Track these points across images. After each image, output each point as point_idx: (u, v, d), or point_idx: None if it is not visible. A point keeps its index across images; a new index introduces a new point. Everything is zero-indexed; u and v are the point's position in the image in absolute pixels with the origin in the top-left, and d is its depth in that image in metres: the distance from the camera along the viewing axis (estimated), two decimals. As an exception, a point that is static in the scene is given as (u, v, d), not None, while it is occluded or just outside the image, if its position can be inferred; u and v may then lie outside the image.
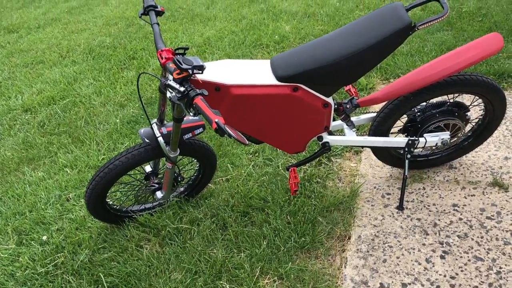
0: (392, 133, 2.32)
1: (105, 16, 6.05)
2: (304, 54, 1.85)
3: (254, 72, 1.86)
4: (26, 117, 3.69)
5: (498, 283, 1.83)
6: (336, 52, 1.79)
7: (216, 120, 1.38)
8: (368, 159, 2.64)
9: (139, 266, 2.11)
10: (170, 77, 1.61)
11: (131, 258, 2.17)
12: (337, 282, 1.96)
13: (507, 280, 1.83)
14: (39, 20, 6.36)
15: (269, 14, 5.12)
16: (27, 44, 5.44)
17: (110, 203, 2.29)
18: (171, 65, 1.62)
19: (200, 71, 1.55)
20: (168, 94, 1.68)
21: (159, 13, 1.86)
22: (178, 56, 1.60)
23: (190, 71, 1.53)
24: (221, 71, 1.82)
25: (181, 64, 1.52)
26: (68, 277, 2.14)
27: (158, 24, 1.81)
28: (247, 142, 1.38)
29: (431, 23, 1.76)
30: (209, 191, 2.52)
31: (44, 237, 2.37)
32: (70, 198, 2.66)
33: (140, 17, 1.88)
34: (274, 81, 1.84)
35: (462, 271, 1.91)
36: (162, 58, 1.68)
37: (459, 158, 2.51)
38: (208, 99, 1.82)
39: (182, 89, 1.54)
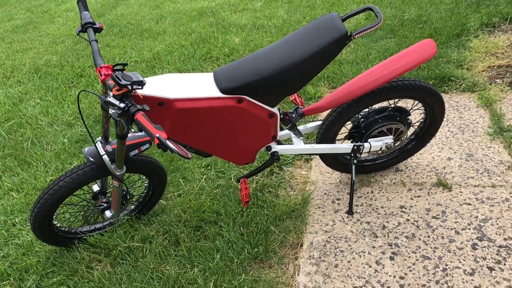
0: (338, 139, 2.37)
1: (52, 34, 5.91)
2: (246, 66, 1.86)
3: (198, 85, 1.86)
4: (-32, 141, 3.54)
5: (445, 280, 1.89)
6: (276, 64, 1.81)
7: (157, 135, 1.36)
8: (318, 166, 2.69)
9: (89, 289, 2.06)
10: (111, 93, 1.59)
11: (81, 281, 2.11)
12: (291, 290, 1.97)
13: (453, 276, 1.90)
14: (-19, 40, 6.14)
15: (218, 27, 5.14)
16: (-31, 65, 5.23)
17: (58, 225, 2.22)
18: (110, 82, 1.60)
19: (140, 87, 1.54)
20: (110, 111, 1.66)
21: (97, 30, 1.84)
22: (117, 72, 1.58)
23: (129, 86, 1.51)
24: (163, 85, 1.81)
25: (120, 80, 1.51)
26: (14, 305, 2.06)
27: (96, 41, 1.79)
28: (189, 156, 1.38)
29: (366, 31, 1.81)
30: (160, 207, 2.49)
31: (-12, 266, 2.27)
32: (17, 223, 2.56)
33: (78, 34, 1.85)
34: (218, 94, 1.85)
35: (410, 270, 1.96)
36: (101, 75, 1.65)
37: (404, 161, 2.59)
38: (152, 114, 1.80)
39: (122, 105, 1.53)
